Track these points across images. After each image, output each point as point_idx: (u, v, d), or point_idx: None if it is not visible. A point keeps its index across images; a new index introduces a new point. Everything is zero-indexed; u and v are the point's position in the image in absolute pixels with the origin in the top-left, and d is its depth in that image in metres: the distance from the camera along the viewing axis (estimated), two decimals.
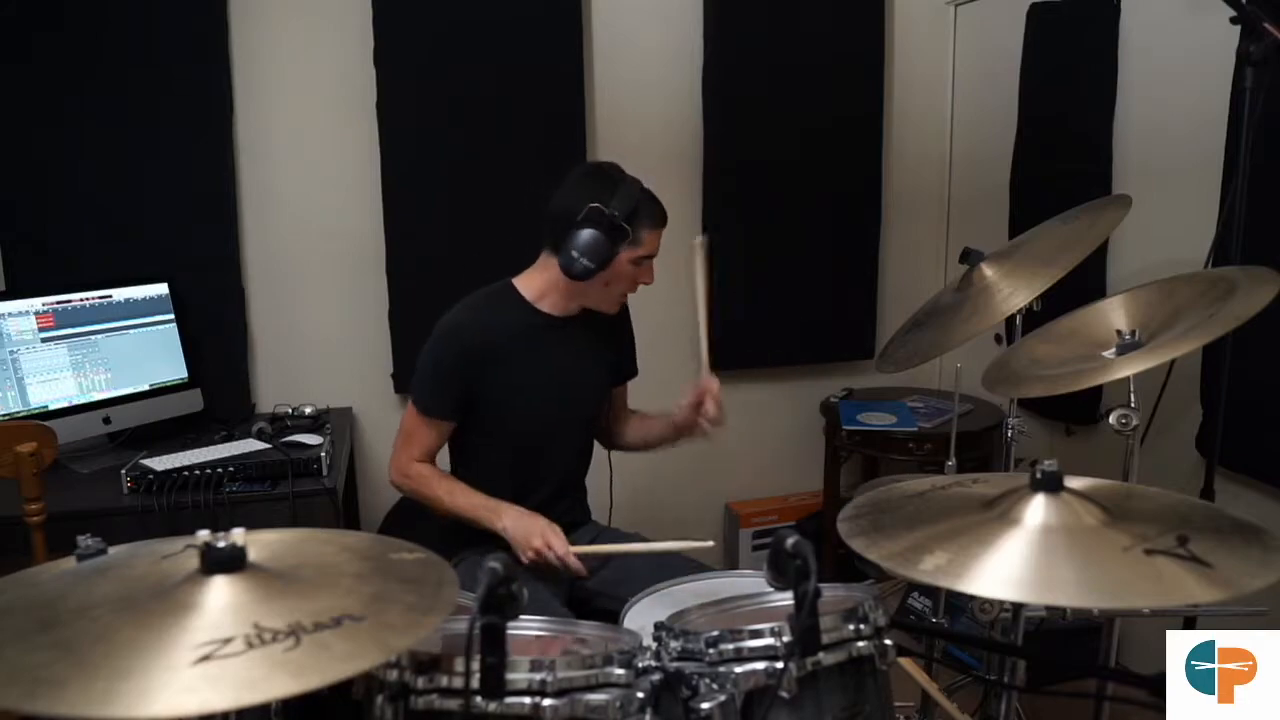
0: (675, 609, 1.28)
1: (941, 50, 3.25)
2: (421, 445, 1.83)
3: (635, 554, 1.77)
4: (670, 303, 3.08)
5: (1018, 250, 2.04)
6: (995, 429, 2.77)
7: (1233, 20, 1.68)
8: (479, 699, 0.97)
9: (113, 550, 1.02)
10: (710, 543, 1.68)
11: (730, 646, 1.12)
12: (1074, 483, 1.11)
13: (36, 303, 2.29)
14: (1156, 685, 1.06)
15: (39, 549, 1.74)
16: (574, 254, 1.71)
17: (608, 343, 1.95)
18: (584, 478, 2.02)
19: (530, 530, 1.72)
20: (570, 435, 1.95)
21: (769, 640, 1.11)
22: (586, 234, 1.70)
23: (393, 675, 1.05)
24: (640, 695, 1.07)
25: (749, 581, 1.53)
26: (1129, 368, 1.54)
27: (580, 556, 1.71)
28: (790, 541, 1.04)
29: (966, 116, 3.23)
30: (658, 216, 1.79)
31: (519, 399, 1.82)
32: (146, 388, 2.45)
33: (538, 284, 1.84)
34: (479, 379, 1.79)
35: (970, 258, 2.06)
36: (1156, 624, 1.88)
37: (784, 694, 1.07)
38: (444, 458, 1.91)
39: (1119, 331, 1.67)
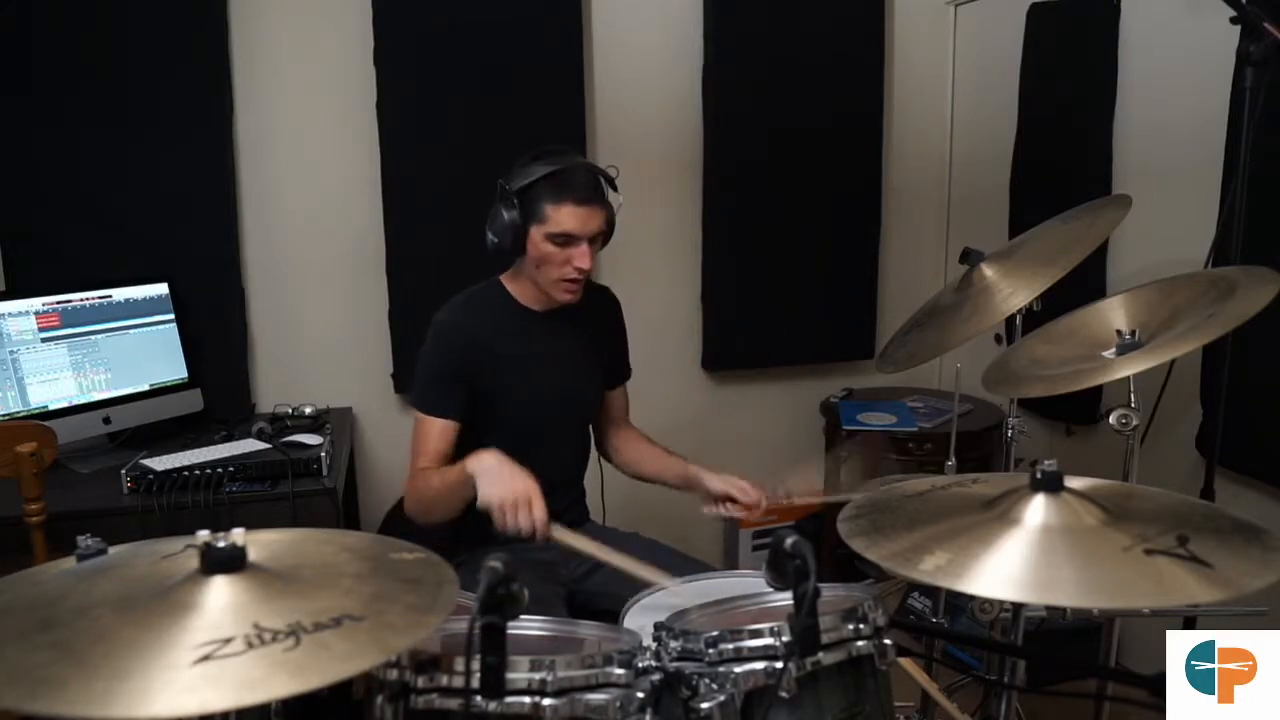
0: (675, 609, 1.28)
1: (941, 50, 3.25)
2: (429, 453, 1.79)
3: (607, 563, 1.58)
4: (669, 303, 3.10)
5: (1018, 250, 2.04)
6: (995, 429, 2.77)
7: (1233, 20, 1.68)
8: (479, 699, 0.97)
9: (113, 550, 1.02)
10: (676, 582, 1.51)
11: (730, 646, 1.12)
12: (1074, 483, 1.11)
13: (36, 303, 2.29)
14: (1156, 685, 1.06)
15: (39, 549, 1.75)
16: (487, 231, 1.73)
17: (597, 341, 1.95)
18: (581, 478, 2.01)
19: (509, 481, 1.55)
20: (565, 434, 1.95)
21: (769, 640, 1.11)
22: (494, 210, 1.73)
23: (393, 675, 1.05)
24: (640, 695, 1.07)
25: (749, 581, 1.53)
26: (1129, 368, 1.54)
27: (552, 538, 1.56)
28: (790, 541, 1.04)
29: (966, 116, 3.23)
30: (565, 190, 1.69)
31: (511, 396, 1.82)
32: (146, 388, 2.45)
33: (518, 279, 1.86)
34: (474, 376, 1.79)
35: (970, 258, 2.06)
36: (1156, 624, 1.88)
37: (784, 694, 1.07)
38: None
39: (1119, 331, 1.67)
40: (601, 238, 1.78)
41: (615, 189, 1.82)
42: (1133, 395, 1.67)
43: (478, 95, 2.73)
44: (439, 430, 1.80)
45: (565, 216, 1.71)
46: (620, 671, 1.08)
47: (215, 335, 2.65)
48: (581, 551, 1.61)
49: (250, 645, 0.78)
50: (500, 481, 1.57)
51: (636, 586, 1.55)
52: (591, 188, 1.73)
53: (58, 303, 2.32)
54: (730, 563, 3.16)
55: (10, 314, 2.24)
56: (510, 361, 1.82)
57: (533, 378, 1.84)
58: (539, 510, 1.55)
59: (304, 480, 2.14)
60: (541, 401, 1.86)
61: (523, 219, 1.72)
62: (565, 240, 1.72)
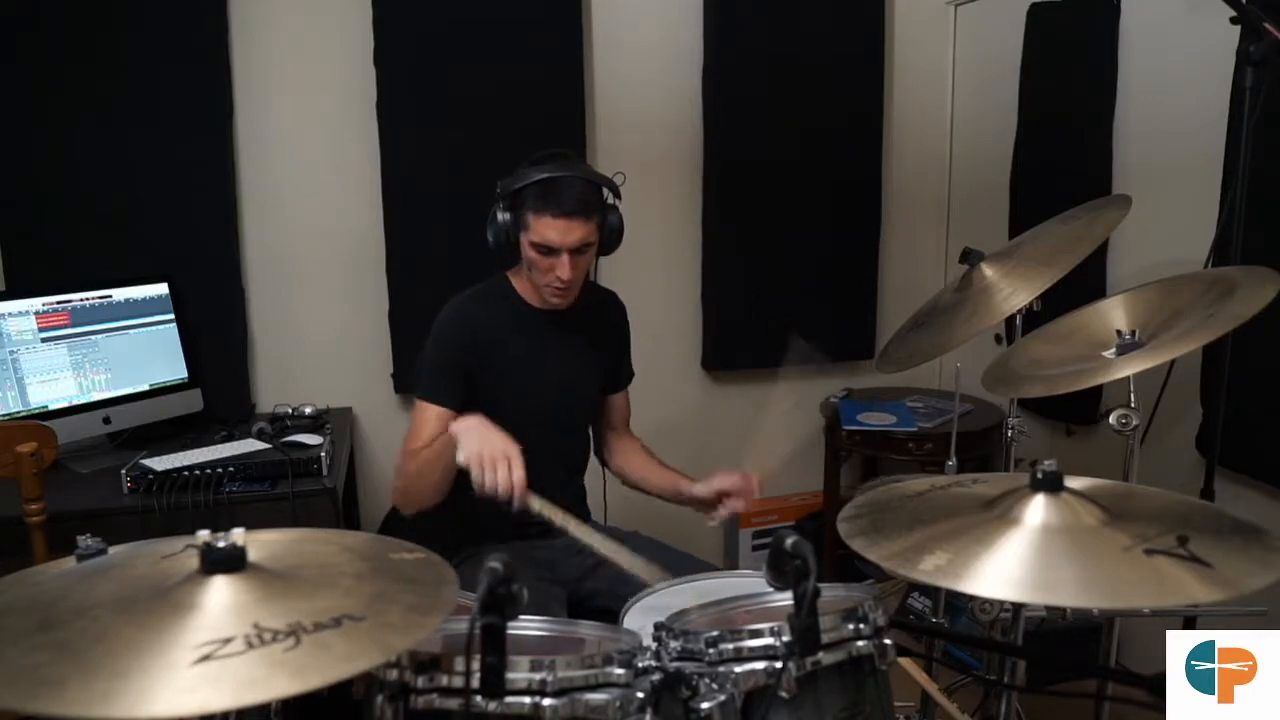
0: (675, 609, 1.28)
1: (941, 50, 3.25)
2: (424, 438, 1.78)
3: (594, 550, 1.58)
4: (669, 303, 3.10)
5: (1018, 250, 2.04)
6: (995, 429, 2.77)
7: (1233, 20, 1.68)
8: (479, 699, 0.97)
9: (113, 550, 1.02)
10: (665, 580, 1.53)
11: (730, 646, 1.12)
12: (1074, 483, 1.11)
13: (37, 303, 2.29)
14: (1156, 685, 1.06)
15: (39, 549, 1.75)
16: (487, 230, 1.77)
17: (599, 342, 1.95)
18: (581, 476, 2.01)
19: (489, 439, 1.55)
20: (564, 431, 1.95)
21: (769, 640, 1.11)
22: (492, 210, 1.77)
23: (393, 675, 1.05)
24: (640, 695, 1.07)
25: (749, 581, 1.53)
26: (1129, 368, 1.54)
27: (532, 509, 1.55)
28: (790, 541, 1.04)
29: (966, 116, 3.23)
30: (548, 202, 1.69)
31: (511, 390, 1.83)
32: (146, 388, 2.45)
33: (522, 277, 1.87)
34: (477, 368, 1.80)
35: (970, 258, 2.06)
36: (1156, 624, 1.89)
37: (783, 694, 1.07)
38: None
39: (1119, 331, 1.67)
40: (589, 248, 1.76)
41: (619, 196, 1.81)
42: (1133, 395, 1.67)
43: (478, 95, 2.72)
44: (435, 416, 1.80)
45: (545, 227, 1.71)
46: (620, 671, 1.08)
47: (215, 335, 2.65)
48: (556, 525, 1.58)
49: (250, 645, 0.78)
50: (480, 439, 1.55)
51: (637, 586, 1.55)
52: (576, 200, 1.71)
53: (58, 302, 2.32)
54: (730, 563, 3.16)
55: (10, 314, 2.24)
56: (511, 356, 1.82)
57: (533, 373, 1.85)
58: (518, 471, 1.53)
59: (304, 480, 2.14)
60: (541, 397, 1.86)
61: (513, 223, 1.75)
62: (547, 250, 1.73)
